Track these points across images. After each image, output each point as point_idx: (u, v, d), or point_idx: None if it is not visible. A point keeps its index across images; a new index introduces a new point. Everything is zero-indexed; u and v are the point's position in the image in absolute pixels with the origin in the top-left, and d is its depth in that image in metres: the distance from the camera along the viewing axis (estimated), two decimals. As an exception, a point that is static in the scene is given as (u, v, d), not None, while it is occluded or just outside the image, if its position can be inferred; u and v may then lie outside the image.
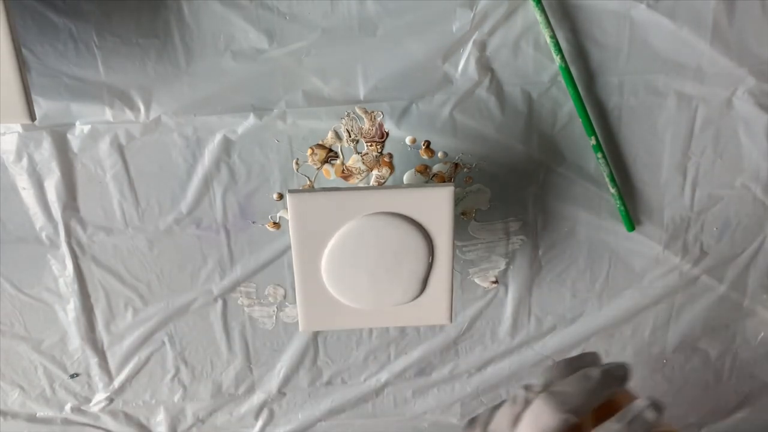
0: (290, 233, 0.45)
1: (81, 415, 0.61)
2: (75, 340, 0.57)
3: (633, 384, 0.40)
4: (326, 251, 0.46)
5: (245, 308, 0.56)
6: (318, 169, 0.51)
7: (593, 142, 0.50)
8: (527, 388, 0.39)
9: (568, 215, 0.54)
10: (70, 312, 0.56)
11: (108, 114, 0.49)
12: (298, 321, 0.49)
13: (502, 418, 0.39)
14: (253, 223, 0.53)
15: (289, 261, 0.54)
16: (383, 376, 0.60)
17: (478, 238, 0.54)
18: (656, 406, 0.37)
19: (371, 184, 0.52)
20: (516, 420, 0.38)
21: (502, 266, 0.56)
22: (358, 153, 0.51)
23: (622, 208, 0.53)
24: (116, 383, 0.59)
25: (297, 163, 0.51)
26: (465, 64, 0.48)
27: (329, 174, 0.51)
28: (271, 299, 0.56)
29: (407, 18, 0.47)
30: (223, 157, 0.50)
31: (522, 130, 0.51)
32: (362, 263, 0.46)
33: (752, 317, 0.59)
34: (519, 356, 0.59)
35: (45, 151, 0.50)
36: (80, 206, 0.52)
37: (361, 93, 0.49)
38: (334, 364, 0.59)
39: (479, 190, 0.53)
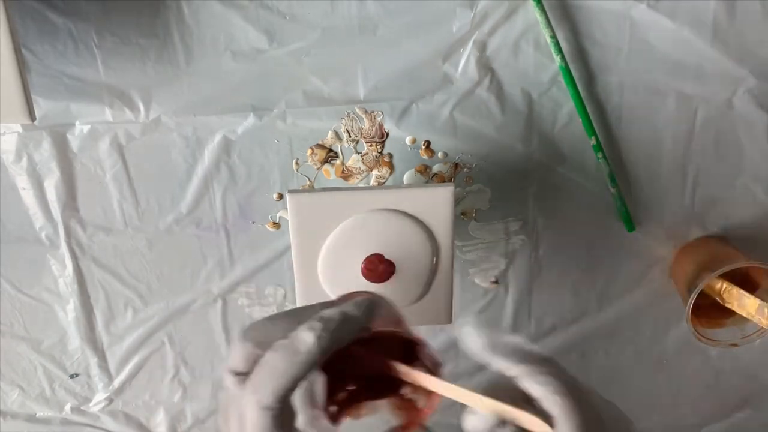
0: (290, 233, 0.45)
1: (81, 416, 0.60)
2: (75, 340, 0.57)
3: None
4: (322, 253, 0.45)
5: (245, 308, 0.56)
6: (318, 169, 0.51)
7: (593, 142, 0.50)
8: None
9: (568, 215, 0.54)
10: (70, 312, 0.56)
11: (108, 114, 0.49)
12: (298, 321, 0.49)
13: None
14: (253, 223, 0.53)
15: (289, 261, 0.54)
16: (383, 376, 0.60)
17: (478, 238, 0.54)
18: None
19: (371, 184, 0.52)
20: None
21: (502, 266, 0.56)
22: (358, 153, 0.51)
23: (622, 208, 0.53)
24: (116, 383, 0.59)
25: (297, 163, 0.51)
26: (465, 64, 0.48)
27: (329, 174, 0.51)
28: (271, 299, 0.56)
29: (407, 18, 0.47)
30: (223, 157, 0.50)
31: (522, 130, 0.51)
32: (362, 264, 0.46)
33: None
34: (519, 356, 0.59)
35: (45, 151, 0.50)
36: (80, 206, 0.52)
37: (361, 93, 0.49)
38: (334, 364, 0.59)
39: (479, 190, 0.53)
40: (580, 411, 0.32)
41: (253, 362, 0.33)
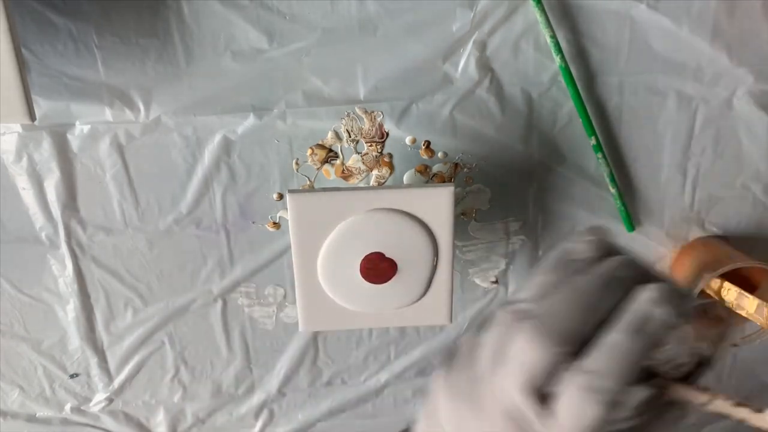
0: (290, 233, 0.45)
1: (81, 416, 0.61)
2: (75, 340, 0.57)
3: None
4: (322, 252, 0.45)
5: (245, 308, 0.56)
6: (318, 169, 0.51)
7: (593, 142, 0.50)
8: (515, 304, 0.28)
9: (568, 215, 0.54)
10: (70, 312, 0.56)
11: (108, 114, 0.49)
12: (298, 321, 0.49)
13: (485, 357, 0.28)
14: (253, 223, 0.53)
15: (289, 261, 0.54)
16: (383, 376, 0.60)
17: (478, 238, 0.54)
18: (674, 297, 0.26)
19: (371, 184, 0.52)
20: (499, 357, 0.27)
21: (502, 266, 0.56)
22: (358, 153, 0.51)
23: (622, 208, 0.53)
24: (116, 383, 0.59)
25: (297, 163, 0.51)
26: (465, 64, 0.48)
27: (329, 174, 0.51)
28: (271, 299, 0.56)
29: (407, 18, 0.47)
30: (223, 157, 0.50)
31: (522, 130, 0.51)
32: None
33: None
34: (519, 356, 0.59)
35: (45, 151, 0.50)
36: (80, 206, 0.52)
37: (361, 93, 0.49)
38: (334, 364, 0.59)
39: (479, 190, 0.53)
40: None
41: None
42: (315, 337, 0.58)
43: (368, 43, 0.47)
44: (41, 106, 0.48)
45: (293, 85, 0.48)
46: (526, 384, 0.26)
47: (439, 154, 0.51)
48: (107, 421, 0.61)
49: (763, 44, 0.48)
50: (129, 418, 0.61)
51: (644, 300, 0.27)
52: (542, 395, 0.26)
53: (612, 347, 0.26)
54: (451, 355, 0.31)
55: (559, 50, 0.47)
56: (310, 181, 0.52)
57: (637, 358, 0.26)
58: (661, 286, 0.27)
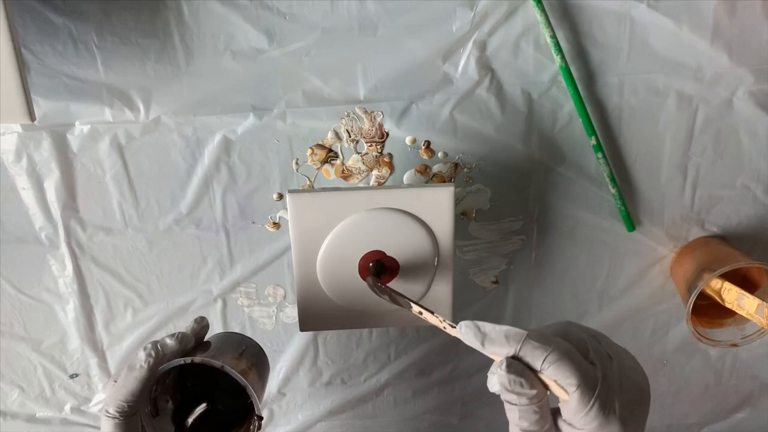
0: (290, 233, 0.45)
1: (80, 416, 0.60)
2: (75, 341, 0.57)
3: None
4: (322, 252, 0.45)
5: (245, 308, 0.56)
6: (318, 169, 0.51)
7: (593, 142, 0.50)
8: None
9: (568, 215, 0.54)
10: (69, 312, 0.56)
11: (108, 114, 0.49)
12: (297, 321, 0.49)
13: None
14: (253, 223, 0.53)
15: (289, 261, 0.54)
16: (383, 377, 0.60)
17: (478, 238, 0.54)
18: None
19: (371, 184, 0.52)
20: None
21: (502, 266, 0.56)
22: (358, 153, 0.51)
23: (622, 208, 0.53)
24: (116, 383, 0.59)
25: (297, 163, 0.51)
26: (465, 64, 0.48)
27: (329, 174, 0.51)
28: (270, 299, 0.56)
29: (407, 18, 0.47)
30: (223, 157, 0.50)
31: (522, 130, 0.51)
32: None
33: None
34: (519, 356, 0.59)
35: (45, 151, 0.50)
36: (80, 206, 0.52)
37: (361, 93, 0.49)
38: (334, 364, 0.59)
39: (479, 190, 0.53)
40: (578, 370, 0.32)
41: None
42: (315, 337, 0.58)
43: (368, 43, 0.47)
44: (41, 106, 0.48)
45: (293, 85, 0.48)
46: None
47: (439, 154, 0.51)
48: (107, 421, 0.61)
49: (763, 44, 0.48)
50: (129, 418, 0.61)
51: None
52: None
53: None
54: None
55: (559, 50, 0.47)
56: (310, 181, 0.52)
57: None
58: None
